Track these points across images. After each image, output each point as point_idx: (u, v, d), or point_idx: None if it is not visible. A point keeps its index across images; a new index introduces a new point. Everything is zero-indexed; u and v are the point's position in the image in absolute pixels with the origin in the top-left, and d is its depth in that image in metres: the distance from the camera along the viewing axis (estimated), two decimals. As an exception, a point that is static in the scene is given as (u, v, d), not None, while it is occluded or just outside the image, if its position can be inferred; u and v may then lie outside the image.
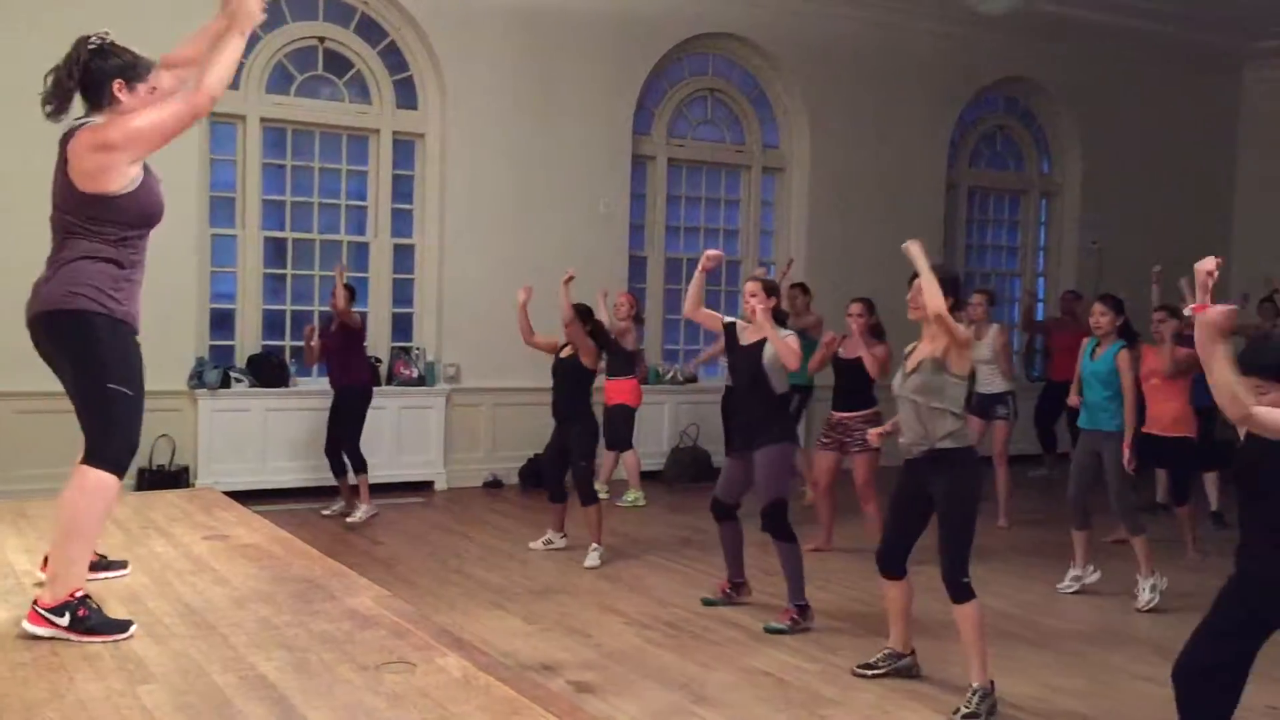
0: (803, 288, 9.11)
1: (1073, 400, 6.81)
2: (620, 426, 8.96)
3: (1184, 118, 13.04)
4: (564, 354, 7.28)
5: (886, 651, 5.13)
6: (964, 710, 4.56)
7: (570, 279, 7.37)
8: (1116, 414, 6.41)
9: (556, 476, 7.35)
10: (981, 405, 8.47)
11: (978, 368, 8.60)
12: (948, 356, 4.65)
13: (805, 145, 11.06)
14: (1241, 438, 3.63)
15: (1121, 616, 6.22)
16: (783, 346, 5.66)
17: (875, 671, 5.07)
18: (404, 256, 9.69)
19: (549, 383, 7.35)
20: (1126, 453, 6.30)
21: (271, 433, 8.84)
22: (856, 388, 7.15)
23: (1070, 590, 6.64)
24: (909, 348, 4.94)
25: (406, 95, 9.60)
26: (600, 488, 9.16)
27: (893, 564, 4.96)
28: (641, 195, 10.59)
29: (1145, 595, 6.28)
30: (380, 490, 8.48)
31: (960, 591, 4.61)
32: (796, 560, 5.81)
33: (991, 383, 8.45)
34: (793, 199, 11.17)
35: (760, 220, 11.24)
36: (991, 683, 4.66)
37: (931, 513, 4.78)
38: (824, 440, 7.41)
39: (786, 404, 5.64)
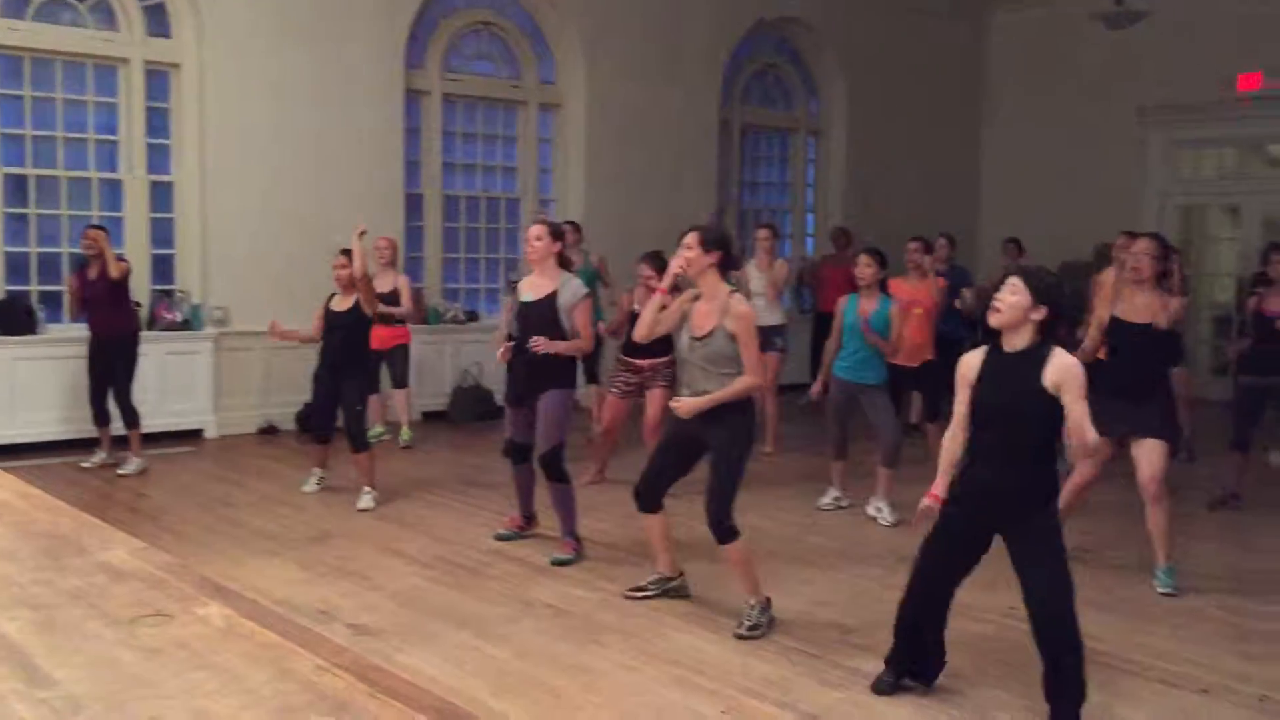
0: (574, 225, 9.13)
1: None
2: (404, 364, 8.90)
3: (939, 59, 13.71)
4: (340, 307, 7.04)
5: (656, 575, 5.31)
6: (746, 623, 4.78)
7: (363, 233, 7.10)
8: (877, 367, 6.76)
9: (326, 423, 7.19)
10: (761, 336, 8.76)
11: (754, 300, 8.89)
12: (738, 331, 4.75)
13: (581, 82, 11.03)
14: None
15: (876, 531, 6.60)
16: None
17: (645, 594, 5.24)
18: (162, 194, 9.16)
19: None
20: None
21: (20, 384, 8.27)
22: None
23: (829, 508, 7.02)
24: (690, 295, 4.95)
25: (158, 22, 9.02)
26: (380, 428, 9.04)
27: (651, 499, 5.09)
28: (416, 130, 10.34)
29: (886, 516, 6.76)
30: (145, 441, 8.08)
31: (725, 533, 4.78)
32: (571, 499, 5.90)
33: (768, 315, 8.73)
34: (570, 136, 11.15)
35: (539, 157, 11.18)
36: (768, 598, 4.90)
37: (699, 457, 4.96)
38: (622, 386, 7.45)
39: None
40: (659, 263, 6.89)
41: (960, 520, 3.96)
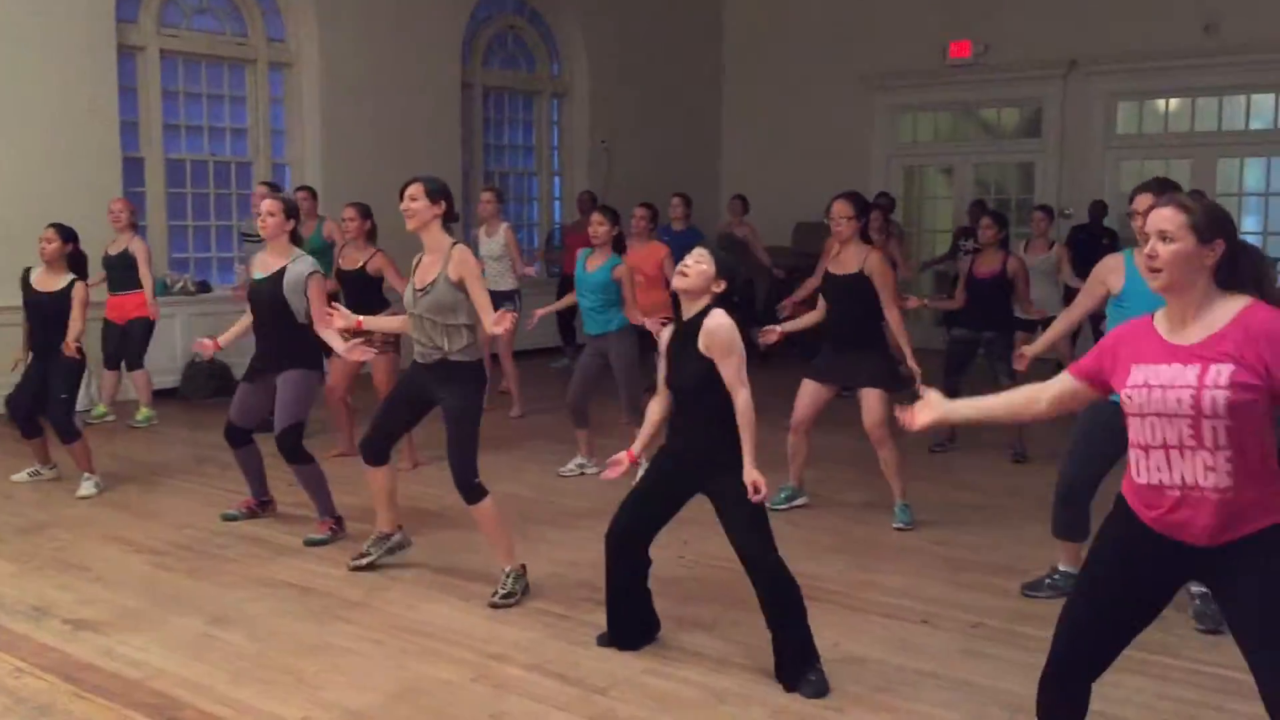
0: (309, 191, 8.81)
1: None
2: (141, 342, 8.36)
3: (679, 20, 13.93)
4: (46, 286, 6.47)
5: (375, 536, 5.21)
6: (500, 591, 4.75)
7: None
8: (615, 315, 6.82)
9: (28, 412, 6.53)
10: (492, 300, 8.79)
11: (487, 264, 8.83)
12: (464, 277, 4.70)
13: (314, 40, 10.58)
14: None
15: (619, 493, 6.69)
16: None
17: (368, 559, 5.16)
18: None
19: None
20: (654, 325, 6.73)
21: None
22: (370, 300, 6.95)
23: (573, 474, 7.05)
24: (416, 259, 4.91)
25: None
26: (103, 408, 8.48)
27: (378, 453, 5.01)
28: (133, 89, 9.67)
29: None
30: None
31: (473, 492, 4.75)
32: (318, 477, 5.70)
33: (501, 280, 8.71)
34: (304, 97, 10.70)
35: (270, 119, 10.67)
36: (523, 565, 4.88)
37: (425, 414, 4.94)
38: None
39: (308, 330, 5.46)
40: (363, 207, 7.12)
41: (661, 477, 4.15)
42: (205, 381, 9.52)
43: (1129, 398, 2.69)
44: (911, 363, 5.70)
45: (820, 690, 3.87)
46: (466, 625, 4.53)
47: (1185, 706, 3.77)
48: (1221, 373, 2.55)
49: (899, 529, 5.81)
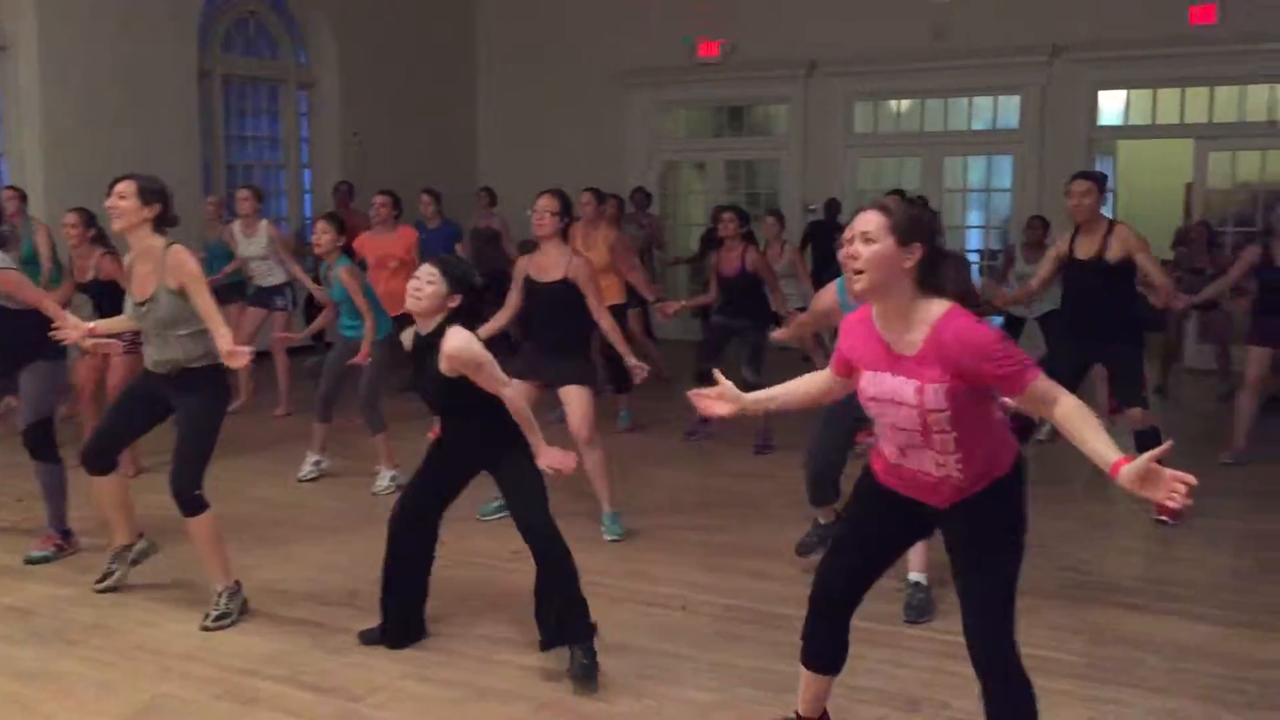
0: (15, 191, 8.24)
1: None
2: None
3: (431, 9, 13.68)
4: None
5: (113, 552, 4.86)
6: (214, 613, 4.46)
7: None
8: (358, 323, 6.59)
9: None
10: (261, 297, 8.58)
11: (253, 264, 8.48)
12: (185, 284, 4.34)
13: (30, 24, 9.76)
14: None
15: (367, 498, 6.46)
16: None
17: (112, 578, 4.81)
18: None
19: None
20: (364, 350, 6.50)
21: None
22: (119, 304, 6.50)
23: (310, 476, 6.77)
24: (127, 262, 4.58)
25: None
26: None
27: (103, 460, 4.64)
28: None
29: (384, 483, 6.55)
30: None
31: (192, 505, 4.42)
32: (60, 482, 5.29)
33: (270, 275, 8.47)
34: (22, 85, 9.86)
35: (-17, 105, 9.82)
36: (237, 582, 4.58)
37: (160, 420, 4.65)
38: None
39: (47, 321, 4.96)
40: (85, 213, 6.63)
41: (440, 465, 4.17)
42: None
43: (867, 406, 2.95)
44: (632, 360, 5.62)
45: (589, 671, 3.89)
46: (212, 641, 4.30)
47: (921, 673, 4.00)
48: (938, 392, 2.76)
49: (612, 540, 5.62)
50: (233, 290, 8.63)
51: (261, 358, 8.53)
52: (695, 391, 3.19)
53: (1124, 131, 12.16)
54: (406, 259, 7.24)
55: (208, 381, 4.47)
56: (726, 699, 3.81)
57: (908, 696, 3.83)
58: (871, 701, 3.75)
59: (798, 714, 3.35)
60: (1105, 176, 6.07)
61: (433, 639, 4.28)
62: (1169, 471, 2.53)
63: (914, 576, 4.59)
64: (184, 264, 4.34)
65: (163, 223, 4.44)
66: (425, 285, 3.94)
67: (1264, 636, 4.38)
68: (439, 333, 3.94)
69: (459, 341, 3.88)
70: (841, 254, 2.93)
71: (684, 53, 13.14)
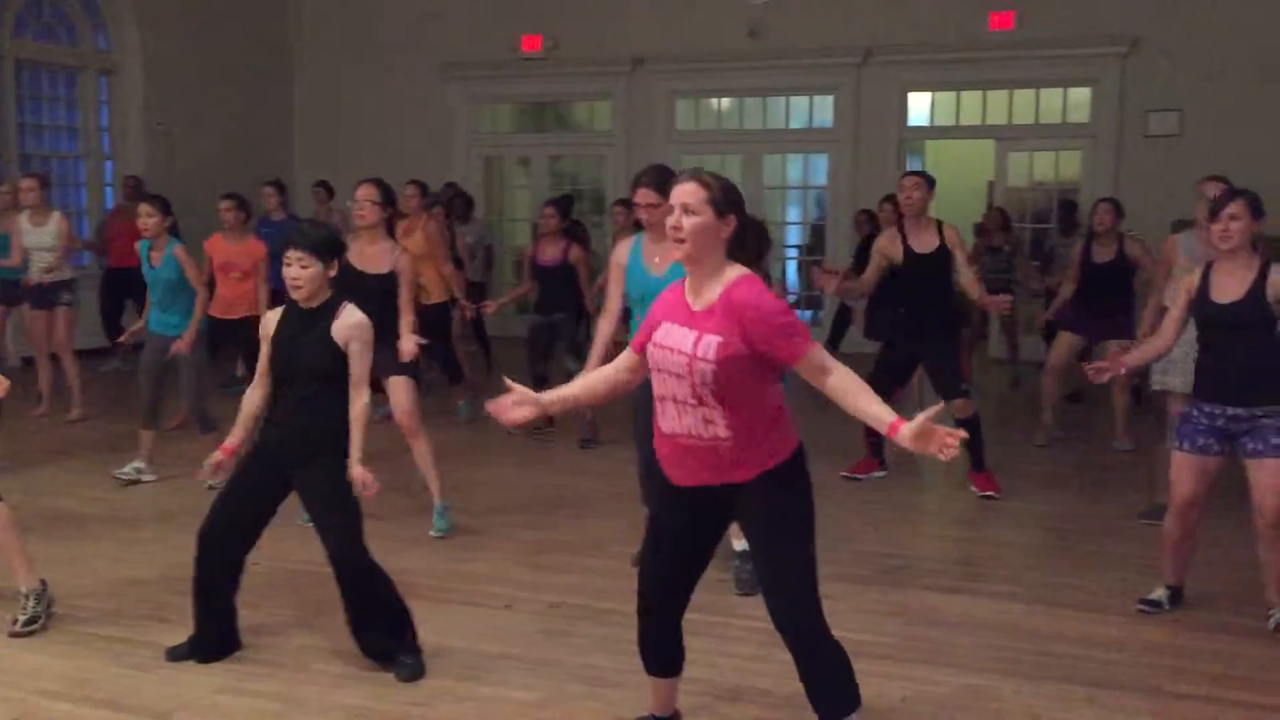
0: None
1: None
2: None
3: None
4: None
5: None
6: (22, 618, 4.23)
7: None
8: (181, 320, 6.40)
9: None
10: (43, 294, 8.08)
11: (38, 255, 8.03)
12: None
13: None
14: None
15: (172, 507, 6.22)
16: None
17: None
18: None
19: None
20: (187, 339, 6.35)
21: None
22: None
23: (128, 476, 6.50)
24: None
25: None
26: None
27: None
28: None
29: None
30: None
31: None
32: None
33: (55, 270, 8.04)
34: None
35: None
36: (43, 582, 4.35)
37: None
38: None
39: None
40: None
41: (255, 472, 3.96)
42: None
43: (650, 354, 3.01)
44: (409, 346, 5.38)
45: (416, 672, 3.88)
46: (8, 661, 4.03)
47: (742, 660, 4.07)
48: (710, 345, 2.85)
49: (438, 536, 5.55)
50: (14, 290, 8.16)
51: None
52: (491, 402, 3.17)
53: (931, 132, 12.66)
54: (249, 271, 6.97)
55: None
56: (551, 696, 3.79)
57: (729, 685, 3.89)
58: (695, 691, 3.78)
59: (652, 715, 3.41)
60: (934, 178, 6.30)
61: (249, 649, 4.12)
62: (941, 429, 2.74)
63: (739, 545, 4.63)
64: None
65: None
66: (301, 271, 3.81)
67: (1060, 613, 4.62)
68: (332, 304, 3.88)
69: (360, 315, 3.89)
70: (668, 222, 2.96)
71: (507, 47, 13.04)
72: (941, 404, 2.89)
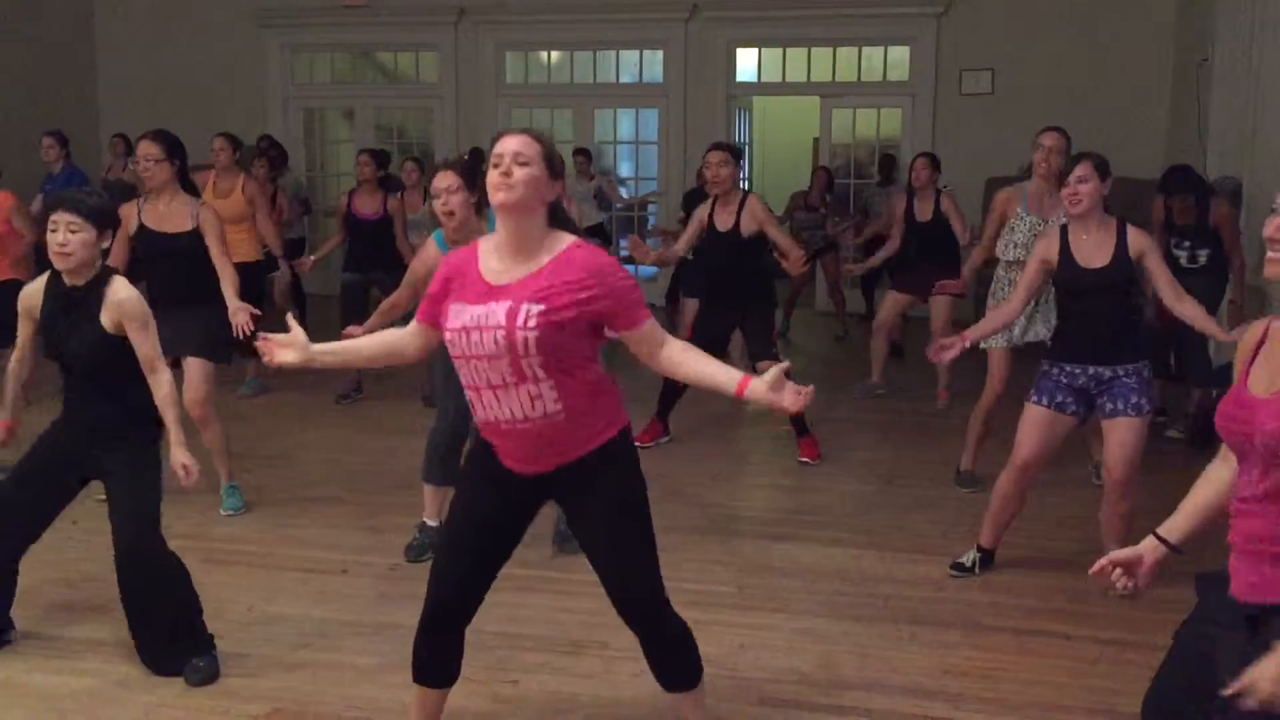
0: None
1: None
2: None
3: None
4: None
5: None
6: None
7: None
8: None
9: None
10: None
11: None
12: None
13: None
14: None
15: None
16: None
17: None
18: None
19: None
20: None
21: None
22: None
23: None
24: None
25: None
26: None
27: None
28: None
29: None
30: None
31: None
32: None
33: None
34: None
35: None
36: None
37: None
38: None
39: None
40: None
41: (46, 458, 3.68)
42: None
43: (452, 342, 2.74)
44: (241, 318, 4.98)
45: (210, 676, 3.61)
46: None
47: (586, 615, 4.08)
48: (531, 312, 2.63)
49: (229, 515, 5.25)
50: None
51: None
52: (263, 336, 2.91)
53: (758, 88, 12.82)
54: (2, 230, 6.38)
55: None
56: (393, 661, 3.72)
57: (569, 640, 3.91)
58: (533, 649, 3.80)
59: None
60: (741, 149, 6.34)
61: (58, 627, 3.94)
62: (790, 383, 2.69)
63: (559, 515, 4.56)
64: None
65: None
66: (70, 236, 3.46)
67: (885, 556, 4.82)
68: (100, 281, 3.55)
69: (129, 291, 3.56)
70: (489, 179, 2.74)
71: (327, -6, 12.58)
72: (787, 363, 2.78)
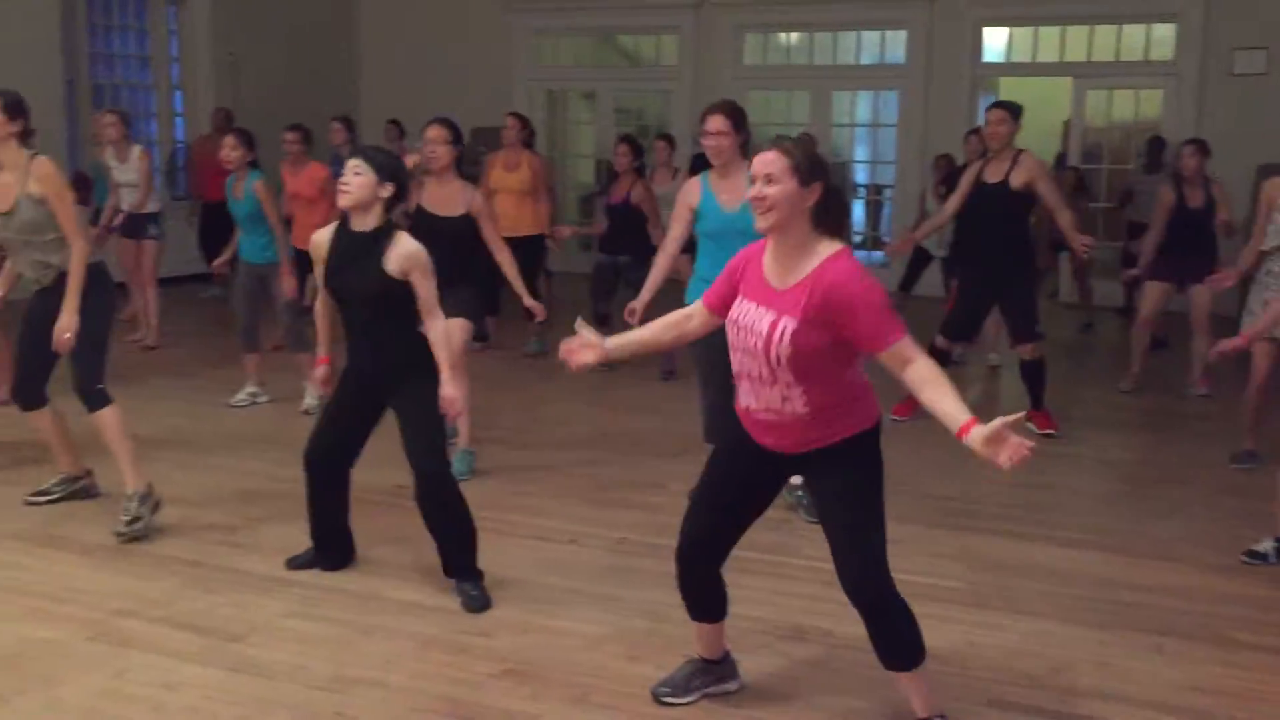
0: None
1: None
2: None
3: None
4: None
5: (61, 476, 4.91)
6: (124, 518, 4.45)
7: None
8: (269, 245, 6.55)
9: None
10: (132, 225, 8.21)
11: (123, 191, 8.12)
12: (48, 193, 4.38)
13: None
14: None
15: (295, 419, 6.40)
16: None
17: (49, 496, 4.86)
18: None
19: None
20: (287, 281, 6.56)
21: None
22: None
23: (243, 403, 6.75)
24: None
25: None
26: None
27: (31, 396, 4.72)
28: None
29: (311, 401, 6.55)
30: None
31: (95, 399, 4.53)
32: None
33: (140, 203, 8.12)
34: None
35: None
36: (150, 485, 4.59)
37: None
38: None
39: None
40: None
41: (349, 392, 4.05)
42: None
43: (728, 327, 2.97)
44: (529, 300, 5.47)
45: (482, 604, 3.95)
46: (83, 581, 4.14)
47: (805, 600, 4.05)
48: (786, 330, 2.80)
49: (462, 480, 5.50)
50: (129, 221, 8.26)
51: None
52: (564, 342, 3.17)
53: (1006, 69, 12.33)
54: (313, 197, 7.05)
55: (87, 288, 4.45)
56: (616, 631, 3.82)
57: (791, 624, 3.89)
58: (754, 630, 3.79)
59: (701, 658, 3.38)
60: (1020, 107, 6.18)
61: (315, 576, 4.20)
62: (1014, 437, 2.65)
63: (798, 481, 4.61)
64: (51, 174, 4.41)
65: (25, 136, 4.44)
66: (353, 177, 3.82)
67: (1125, 560, 4.56)
68: (385, 232, 3.87)
69: (415, 243, 3.89)
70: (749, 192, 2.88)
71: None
72: (1021, 414, 2.77)
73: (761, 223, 2.85)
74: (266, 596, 4.03)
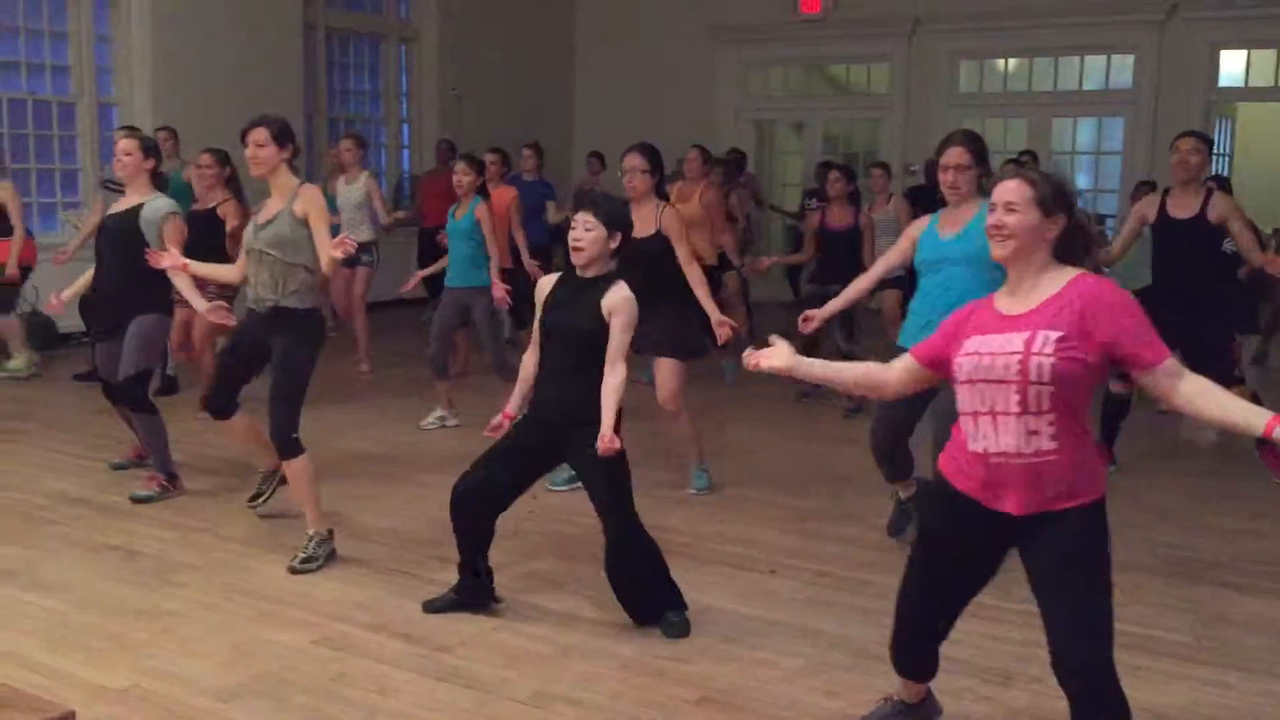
0: (170, 132, 8.53)
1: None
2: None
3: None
4: None
5: (264, 474, 5.15)
6: (300, 555, 4.55)
7: None
8: (483, 268, 6.74)
9: None
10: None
11: (347, 213, 8.56)
12: (310, 213, 4.55)
13: (141, -26, 9.97)
14: None
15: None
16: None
17: (263, 496, 5.12)
18: None
19: None
20: (497, 289, 6.71)
21: None
22: (210, 246, 6.65)
23: (433, 426, 6.95)
24: (260, 204, 4.77)
25: None
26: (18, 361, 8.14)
27: (222, 408, 4.91)
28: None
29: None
30: None
31: (288, 448, 4.59)
32: (159, 430, 5.45)
33: (359, 229, 8.44)
34: (133, 34, 10.07)
35: (95, 53, 10.03)
36: (330, 530, 4.68)
37: (265, 362, 4.76)
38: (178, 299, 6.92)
39: (160, 273, 5.09)
40: (220, 154, 6.97)
41: (523, 434, 4.02)
42: (27, 335, 8.96)
43: (959, 366, 2.79)
44: (717, 316, 5.36)
45: (681, 631, 3.95)
46: (305, 586, 4.38)
47: (1018, 646, 3.89)
48: (1048, 339, 2.64)
49: (696, 493, 5.64)
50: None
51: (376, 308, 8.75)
52: (750, 352, 3.08)
53: (1244, 93, 11.64)
54: (501, 217, 7.31)
55: (301, 321, 4.62)
56: (814, 665, 3.77)
57: (1000, 670, 3.75)
58: (958, 672, 3.67)
59: (899, 700, 3.29)
60: (1212, 140, 5.79)
61: (520, 594, 4.30)
62: None
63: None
64: (315, 198, 4.58)
65: (294, 159, 4.67)
66: (584, 234, 3.89)
67: (1378, 624, 4.20)
68: (608, 278, 3.94)
69: (628, 293, 3.92)
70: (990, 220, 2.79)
71: (784, 9, 12.90)
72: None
73: (998, 250, 2.77)
74: (472, 610, 4.16)
